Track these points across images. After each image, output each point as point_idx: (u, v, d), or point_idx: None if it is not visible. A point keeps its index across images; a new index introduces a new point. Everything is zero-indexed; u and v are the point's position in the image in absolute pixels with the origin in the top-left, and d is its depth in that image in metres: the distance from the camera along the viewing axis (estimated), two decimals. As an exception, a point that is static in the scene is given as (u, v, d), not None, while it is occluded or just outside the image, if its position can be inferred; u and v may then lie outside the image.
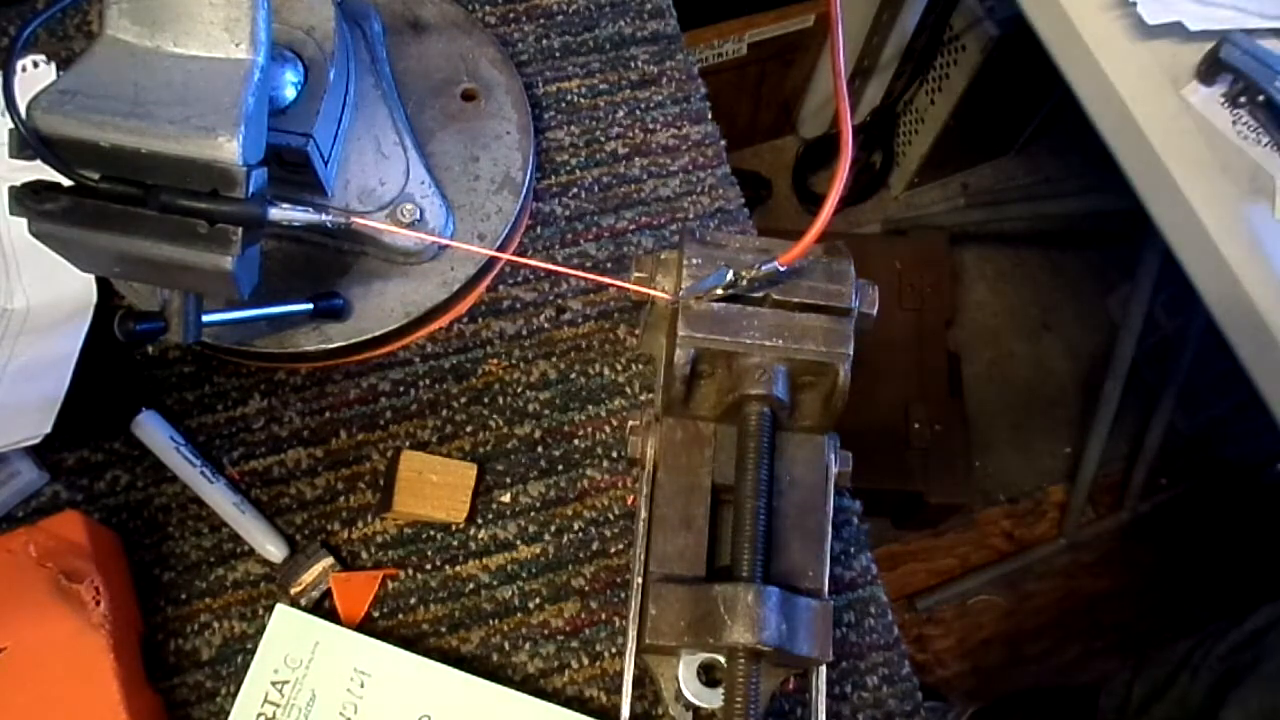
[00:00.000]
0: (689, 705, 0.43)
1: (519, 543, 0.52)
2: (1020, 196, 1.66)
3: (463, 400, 0.54)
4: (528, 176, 0.56)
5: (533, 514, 0.52)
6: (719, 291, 0.43)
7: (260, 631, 0.47)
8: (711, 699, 0.42)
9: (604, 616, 0.51)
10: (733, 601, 0.40)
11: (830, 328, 0.44)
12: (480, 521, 0.52)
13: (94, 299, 0.52)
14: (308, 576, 0.49)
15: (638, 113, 0.62)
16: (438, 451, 0.53)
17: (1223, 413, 1.44)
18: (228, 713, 0.45)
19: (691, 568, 0.44)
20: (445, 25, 0.60)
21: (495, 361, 0.55)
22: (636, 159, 0.61)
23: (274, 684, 0.45)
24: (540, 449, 0.54)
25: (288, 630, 0.46)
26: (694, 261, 0.44)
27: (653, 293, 0.46)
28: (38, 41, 0.60)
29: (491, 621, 0.50)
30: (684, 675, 0.42)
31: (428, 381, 0.54)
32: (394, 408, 0.54)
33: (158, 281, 0.44)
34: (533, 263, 0.53)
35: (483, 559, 0.51)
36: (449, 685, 0.46)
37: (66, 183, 0.38)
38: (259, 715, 0.45)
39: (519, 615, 0.50)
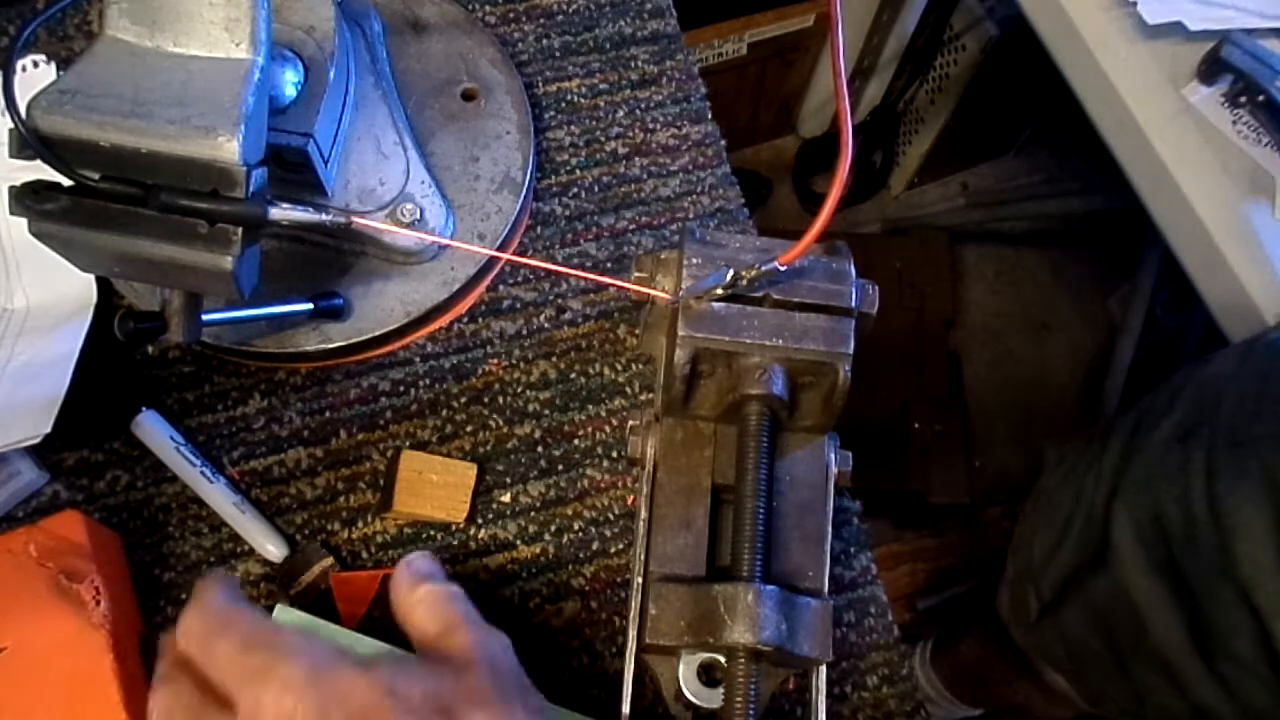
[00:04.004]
0: (689, 705, 0.43)
1: (519, 543, 0.52)
2: (1020, 196, 1.66)
3: (463, 400, 0.54)
4: (528, 176, 0.56)
5: (533, 514, 0.52)
6: (719, 291, 0.43)
7: (260, 631, 0.47)
8: (711, 699, 0.42)
9: (604, 616, 0.51)
10: (733, 601, 0.40)
11: (830, 328, 0.44)
12: (480, 521, 0.52)
13: (94, 299, 0.52)
14: (308, 576, 0.49)
15: (638, 113, 0.62)
16: (438, 451, 0.53)
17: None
18: (228, 713, 0.45)
19: (691, 568, 0.44)
20: (445, 25, 0.60)
21: (495, 361, 0.55)
22: (636, 159, 0.61)
23: None
24: (540, 449, 0.54)
25: None
26: (694, 261, 0.44)
27: (653, 293, 0.46)
28: (38, 41, 0.60)
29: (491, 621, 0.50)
30: (684, 675, 0.43)
31: (428, 381, 0.54)
32: (394, 408, 0.54)
33: (158, 281, 0.44)
34: (533, 263, 0.53)
35: (483, 559, 0.51)
36: None
37: (66, 183, 0.38)
38: None
39: (519, 615, 0.50)
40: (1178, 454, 0.64)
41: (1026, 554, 0.81)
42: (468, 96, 0.58)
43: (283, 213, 0.42)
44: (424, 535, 0.51)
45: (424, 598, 0.37)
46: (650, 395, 0.55)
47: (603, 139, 0.61)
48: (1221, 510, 0.58)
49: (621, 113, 0.62)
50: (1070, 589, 0.75)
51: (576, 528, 0.52)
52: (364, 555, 0.51)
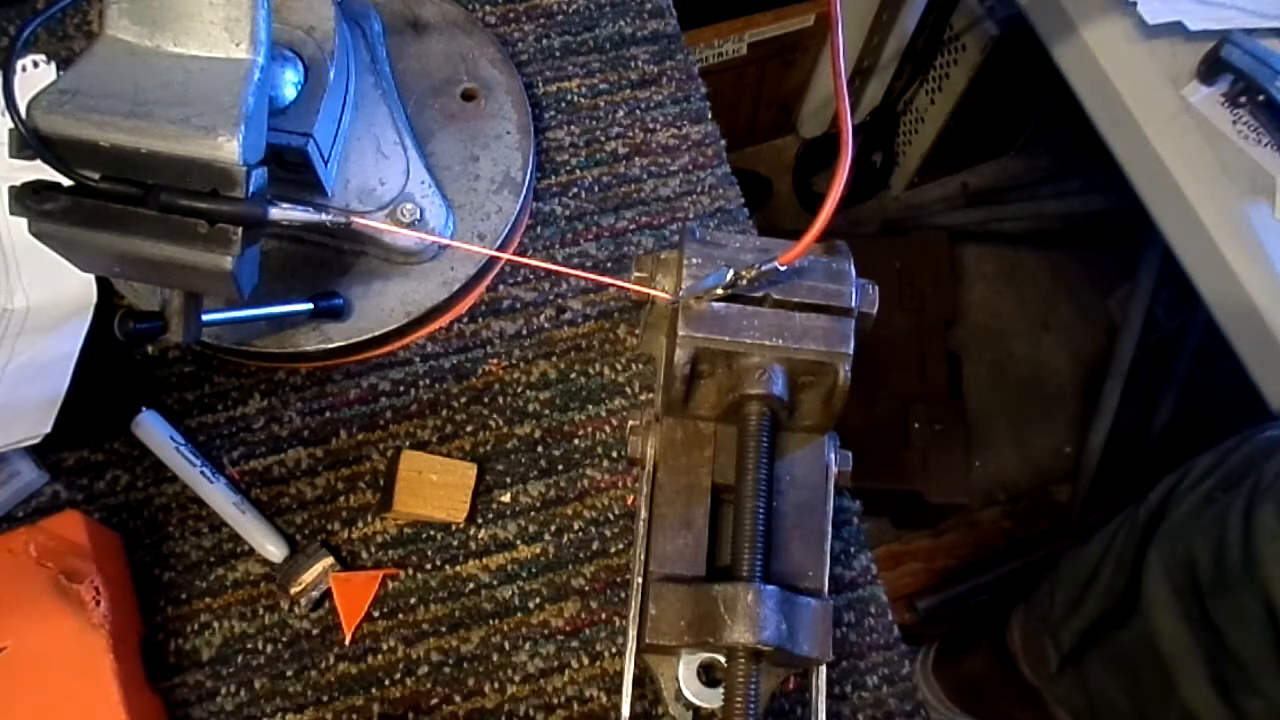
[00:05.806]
0: (689, 705, 0.43)
1: (519, 543, 0.52)
2: (1020, 196, 1.66)
3: (463, 400, 0.54)
4: (528, 176, 0.56)
5: (533, 514, 0.52)
6: (719, 291, 0.43)
7: (260, 631, 0.47)
8: (711, 699, 0.42)
9: (604, 616, 0.51)
10: (733, 601, 0.40)
11: (830, 327, 0.44)
12: (480, 521, 0.52)
13: (94, 299, 0.52)
14: (308, 576, 0.49)
15: (638, 113, 0.62)
16: (438, 451, 0.53)
17: (1222, 412, 1.44)
18: (228, 712, 0.45)
19: (691, 568, 0.44)
20: (445, 25, 0.60)
21: (495, 361, 0.55)
22: (636, 159, 0.61)
23: None
24: (540, 449, 0.54)
25: None
26: (694, 261, 0.44)
27: (653, 293, 0.46)
28: (38, 41, 0.60)
29: (491, 621, 0.50)
30: (684, 675, 0.42)
31: (428, 381, 0.54)
32: (394, 407, 0.54)
33: (158, 281, 0.44)
34: (533, 262, 0.53)
35: (483, 559, 0.51)
36: None
37: (66, 183, 0.38)
38: None
39: (519, 615, 0.50)
40: (1219, 504, 0.65)
41: (1047, 600, 0.81)
42: (468, 96, 0.58)
43: (283, 213, 0.42)
44: (424, 535, 0.51)
45: None
46: (650, 395, 0.55)
47: (603, 139, 0.61)
48: (1257, 545, 0.59)
49: (621, 113, 0.62)
50: (1094, 639, 0.75)
51: (576, 528, 0.52)
52: (364, 555, 0.51)
